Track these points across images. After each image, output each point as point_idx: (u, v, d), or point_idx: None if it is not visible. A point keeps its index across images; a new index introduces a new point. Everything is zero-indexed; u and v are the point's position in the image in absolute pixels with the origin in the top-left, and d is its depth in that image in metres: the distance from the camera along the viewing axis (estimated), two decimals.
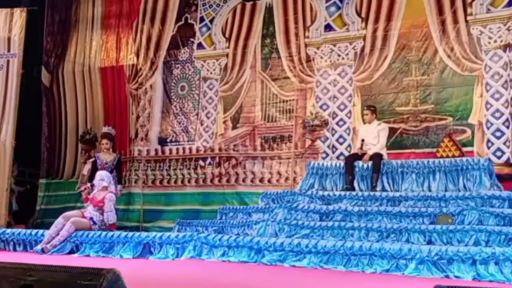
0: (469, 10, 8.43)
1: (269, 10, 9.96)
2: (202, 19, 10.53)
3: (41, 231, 7.60)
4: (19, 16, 9.85)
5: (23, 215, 10.55)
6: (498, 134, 8.09)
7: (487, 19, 8.32)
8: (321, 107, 9.32)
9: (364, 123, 8.51)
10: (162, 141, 10.58)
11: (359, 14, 9.23)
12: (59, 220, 7.42)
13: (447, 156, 7.69)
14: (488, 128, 8.16)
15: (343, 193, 7.69)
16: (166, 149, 10.50)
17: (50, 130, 11.53)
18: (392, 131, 8.52)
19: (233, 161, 9.89)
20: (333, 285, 4.93)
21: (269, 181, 9.54)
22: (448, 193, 7.15)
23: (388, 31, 8.96)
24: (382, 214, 6.92)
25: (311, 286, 4.75)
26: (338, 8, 9.38)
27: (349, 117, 9.11)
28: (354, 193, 7.63)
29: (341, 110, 9.18)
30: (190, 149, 10.29)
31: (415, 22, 8.80)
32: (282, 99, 9.65)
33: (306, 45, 9.53)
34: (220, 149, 10.03)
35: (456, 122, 8.37)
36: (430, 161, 7.64)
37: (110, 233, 7.19)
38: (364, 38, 9.13)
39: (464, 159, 7.49)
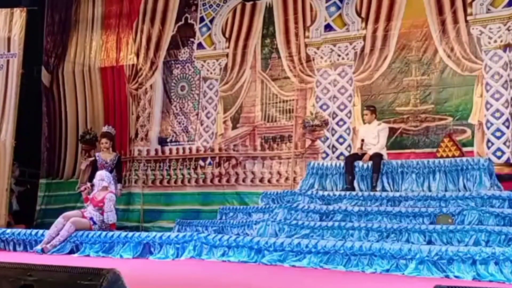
0: (469, 10, 8.43)
1: (269, 10, 9.96)
2: (202, 19, 10.53)
3: (41, 231, 7.60)
4: (19, 16, 9.84)
5: (23, 215, 10.54)
6: (498, 134, 8.09)
7: (487, 19, 8.32)
8: (321, 107, 9.32)
9: (364, 123, 8.51)
10: (162, 141, 10.58)
11: (359, 14, 9.23)
12: (59, 220, 7.43)
13: (447, 156, 7.69)
14: (488, 128, 8.16)
15: (343, 193, 7.69)
16: (166, 149, 10.50)
17: (50, 130, 11.53)
18: (392, 131, 8.52)
19: (233, 161, 9.89)
20: (333, 285, 4.93)
21: (269, 181, 9.54)
22: (448, 193, 7.15)
23: (388, 31, 8.96)
24: (382, 214, 6.92)
25: (311, 286, 4.75)
26: (338, 8, 9.38)
27: (349, 117, 9.11)
28: (354, 193, 7.63)
29: (341, 110, 9.18)
30: (190, 149, 10.29)
31: (415, 22, 8.80)
32: (282, 99, 9.65)
33: (306, 45, 9.53)
34: (220, 149, 10.03)
35: (456, 122, 8.37)
36: (430, 161, 7.64)
37: (110, 233, 7.19)
38: (364, 38, 9.13)
39: (464, 159, 7.50)
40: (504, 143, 8.02)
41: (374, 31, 9.06)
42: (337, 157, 8.93)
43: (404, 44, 8.85)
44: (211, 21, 10.45)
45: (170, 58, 10.71)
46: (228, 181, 9.86)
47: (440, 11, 8.62)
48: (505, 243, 5.78)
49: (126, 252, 6.88)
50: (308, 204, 7.54)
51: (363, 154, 7.96)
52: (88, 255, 6.99)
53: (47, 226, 8.10)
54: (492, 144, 8.11)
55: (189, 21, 10.63)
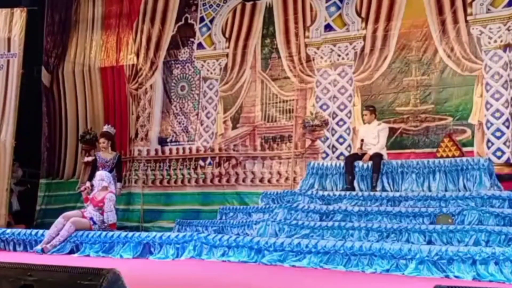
0: (469, 10, 8.43)
1: (269, 10, 9.96)
2: (202, 19, 10.53)
3: (41, 231, 7.60)
4: (19, 16, 9.84)
5: (23, 215, 10.55)
6: (498, 134, 8.09)
7: (487, 19, 8.32)
8: (321, 107, 9.32)
9: (364, 123, 8.51)
10: (162, 141, 10.58)
11: (359, 14, 9.23)
12: (59, 220, 7.43)
13: (447, 156, 7.70)
14: (488, 128, 8.16)
15: (343, 193, 7.69)
16: (166, 149, 10.50)
17: (50, 130, 11.53)
18: (392, 131, 8.52)
19: (233, 161, 9.89)
20: (333, 285, 4.93)
21: (269, 181, 9.54)
22: (448, 193, 7.15)
23: (388, 31, 8.96)
24: (382, 214, 6.92)
25: (311, 286, 4.75)
26: (338, 8, 9.38)
27: (349, 117, 9.11)
28: (354, 193, 7.63)
29: (341, 110, 9.18)
30: (190, 149, 10.29)
31: (415, 22, 8.80)
32: (282, 99, 9.65)
33: (306, 45, 9.53)
34: (220, 149, 10.03)
35: (456, 122, 8.37)
36: (430, 161, 7.64)
37: (110, 233, 7.19)
38: (364, 38, 9.13)
39: (464, 159, 7.50)
40: (504, 143, 8.02)
41: (374, 31, 9.06)
42: (337, 157, 8.93)
43: (404, 44, 8.85)
44: (211, 21, 10.45)
45: (170, 58, 10.71)
46: (228, 181, 9.86)
47: (440, 11, 8.62)
48: (505, 243, 5.78)
49: (126, 252, 6.88)
50: (308, 204, 7.54)
51: (363, 154, 7.96)
52: (88, 255, 6.99)
53: (47, 226, 8.10)
54: (492, 144, 8.11)
55: (189, 21, 10.63)
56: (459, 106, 8.39)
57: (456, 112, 8.39)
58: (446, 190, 7.34)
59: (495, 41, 8.23)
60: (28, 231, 7.78)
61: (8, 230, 7.94)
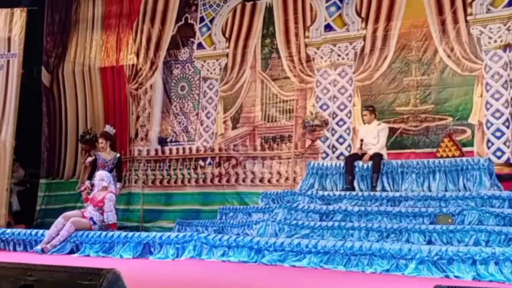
0: (469, 10, 8.43)
1: (269, 10, 9.96)
2: (202, 19, 10.53)
3: (41, 231, 7.61)
4: (19, 16, 9.84)
5: (23, 215, 10.55)
6: (498, 134, 8.08)
7: (487, 19, 8.32)
8: (321, 107, 9.31)
9: (364, 123, 8.51)
10: (162, 141, 10.58)
11: (359, 14, 9.23)
12: (59, 220, 7.43)
13: (447, 156, 7.69)
14: (488, 128, 8.16)
15: (343, 193, 7.69)
16: (166, 149, 10.50)
17: (50, 130, 11.53)
18: (392, 131, 8.52)
19: (233, 161, 9.89)
20: (333, 285, 4.93)
21: (269, 181, 9.54)
22: (448, 193, 7.15)
23: (388, 31, 8.96)
24: (382, 214, 6.92)
25: (311, 286, 4.75)
26: (338, 8, 9.38)
27: (349, 117, 9.11)
28: (354, 193, 7.63)
29: (341, 110, 9.18)
30: (190, 149, 10.29)
31: (415, 22, 8.80)
32: (282, 99, 9.65)
33: (306, 45, 9.53)
34: (220, 149, 10.03)
35: (456, 122, 8.37)
36: (430, 161, 7.64)
37: (110, 233, 7.19)
38: (364, 38, 9.13)
39: (464, 159, 7.49)
40: (504, 143, 8.02)
41: (374, 31, 9.06)
42: (337, 157, 8.93)
43: (404, 44, 8.84)
44: (211, 21, 10.45)
45: (170, 58, 10.71)
46: (228, 181, 9.86)
47: (440, 11, 8.62)
48: (505, 243, 5.78)
49: (126, 252, 6.88)
50: (308, 204, 7.54)
51: (363, 154, 7.96)
52: (88, 255, 6.99)
53: (47, 226, 8.11)
54: (492, 144, 8.10)
55: (189, 21, 10.63)
56: (459, 106, 8.39)
57: (456, 112, 8.39)
58: (446, 190, 7.33)
59: (495, 41, 8.23)
60: (28, 231, 7.79)
61: (8, 230, 7.94)
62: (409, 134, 8.65)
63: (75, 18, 11.64)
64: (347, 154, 8.71)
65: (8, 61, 9.73)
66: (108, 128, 9.08)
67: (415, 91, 8.68)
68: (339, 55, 9.29)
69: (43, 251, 7.08)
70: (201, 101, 10.35)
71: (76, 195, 10.34)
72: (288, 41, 9.70)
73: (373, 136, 8.09)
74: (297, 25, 9.67)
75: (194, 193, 10.07)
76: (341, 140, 9.12)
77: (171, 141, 10.50)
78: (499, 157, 8.01)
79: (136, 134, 10.77)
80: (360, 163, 7.92)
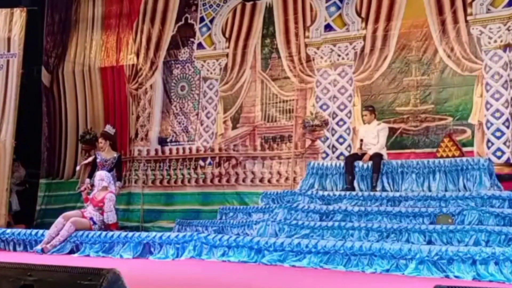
0: (469, 10, 8.43)
1: (269, 10, 9.96)
2: (202, 19, 10.53)
3: (41, 231, 7.61)
4: (19, 16, 9.84)
5: (23, 215, 10.54)
6: (498, 134, 8.08)
7: (487, 19, 8.32)
8: (321, 107, 9.31)
9: (364, 123, 8.50)
10: (162, 141, 10.58)
11: (359, 14, 9.23)
12: (59, 220, 7.43)
13: (447, 156, 7.69)
14: (488, 128, 8.16)
15: (343, 193, 7.69)
16: (166, 149, 10.50)
17: (50, 130, 11.53)
18: (392, 131, 8.52)
19: (233, 161, 9.89)
20: (333, 285, 4.93)
21: (269, 181, 9.54)
22: (448, 193, 7.15)
23: (388, 31, 8.96)
24: (382, 214, 6.92)
25: (311, 286, 4.75)
26: (338, 8, 9.38)
27: (349, 117, 9.11)
28: (354, 193, 7.63)
29: (341, 110, 9.18)
30: (190, 149, 10.29)
31: (415, 22, 8.80)
32: (282, 99, 9.65)
33: (306, 45, 9.53)
34: (220, 149, 10.03)
35: (456, 122, 8.37)
36: (430, 161, 7.64)
37: (110, 233, 7.19)
38: (364, 38, 9.13)
39: (464, 159, 7.49)
40: (504, 143, 8.02)
41: (374, 31, 9.06)
42: (337, 157, 8.93)
43: (404, 44, 8.84)
44: (211, 21, 10.44)
45: (170, 58, 10.71)
46: (228, 181, 9.86)
47: (440, 11, 8.62)
48: (505, 243, 5.78)
49: (126, 252, 6.88)
50: (308, 204, 7.54)
51: (363, 154, 7.96)
52: (88, 255, 6.99)
53: (47, 226, 8.10)
54: (492, 144, 8.10)
55: (189, 21, 10.63)
56: (459, 106, 8.39)
57: (456, 112, 8.39)
58: (446, 190, 7.33)
59: (495, 41, 8.23)
60: (28, 231, 7.78)
61: (8, 230, 7.94)
62: (409, 134, 8.65)
63: (75, 18, 11.64)
64: (347, 154, 8.71)
65: (8, 61, 9.73)
66: (108, 128, 9.08)
67: (415, 91, 8.68)
68: (339, 55, 9.29)
69: (43, 251, 7.08)
70: (201, 101, 10.35)
71: (76, 195, 10.34)
72: (288, 41, 9.70)
73: (373, 136, 8.09)
74: (297, 25, 9.67)
75: (194, 193, 10.07)
76: (341, 140, 9.12)
77: (171, 141, 10.50)
78: (499, 157, 8.01)
79: (136, 134, 10.77)
80: (360, 163, 7.92)
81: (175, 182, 10.32)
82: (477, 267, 5.28)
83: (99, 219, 7.54)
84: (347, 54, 9.24)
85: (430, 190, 7.45)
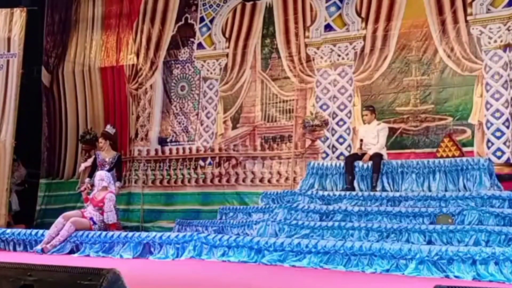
0: (469, 10, 8.43)
1: (269, 10, 9.96)
2: (202, 19, 10.53)
3: (41, 231, 7.60)
4: (19, 16, 9.84)
5: (23, 215, 10.54)
6: (498, 134, 8.09)
7: (487, 19, 8.32)
8: (321, 107, 9.32)
9: (364, 123, 8.50)
10: (162, 141, 10.58)
11: (359, 14, 9.23)
12: (59, 220, 7.42)
13: (447, 156, 7.70)
14: (488, 128, 8.16)
15: (343, 193, 7.69)
16: (166, 149, 10.50)
17: (50, 130, 11.53)
18: (392, 131, 8.53)
19: (233, 161, 9.89)
20: (333, 285, 4.93)
21: (269, 181, 9.54)
22: (448, 193, 7.15)
23: (388, 31, 8.96)
24: (382, 214, 6.92)
25: (311, 286, 4.75)
26: (338, 8, 9.38)
27: (349, 117, 9.11)
28: (354, 193, 7.63)
29: (341, 110, 9.18)
30: (190, 149, 10.29)
31: (415, 22, 8.80)
32: (282, 99, 9.65)
33: (306, 45, 9.53)
34: (220, 149, 10.03)
35: (456, 122, 8.37)
36: (430, 161, 7.64)
37: (110, 233, 7.19)
38: (364, 38, 9.13)
39: (464, 159, 7.49)
40: (504, 143, 8.02)
41: (374, 31, 9.06)
42: (337, 157, 8.93)
43: (404, 44, 8.85)
44: (211, 21, 10.45)
45: (170, 58, 10.71)
46: (228, 181, 9.86)
47: (440, 11, 8.62)
48: (505, 243, 5.78)
49: (126, 252, 6.88)
50: (308, 204, 7.54)
51: (363, 154, 7.96)
52: (88, 255, 6.99)
53: (47, 226, 8.10)
54: (492, 144, 8.11)
55: (189, 21, 10.63)
56: (459, 106, 8.39)
57: (456, 112, 8.39)
58: (446, 190, 7.33)
59: (495, 41, 8.23)
60: (28, 231, 7.78)
61: (8, 230, 7.93)
62: (409, 134, 8.65)
63: (75, 18, 11.64)
64: (347, 154, 8.71)
65: (8, 61, 9.73)
66: (108, 128, 9.08)
67: (415, 91, 8.69)
68: (339, 55, 9.29)
69: (43, 251, 7.08)
70: (201, 101, 10.35)
71: (76, 195, 10.34)
72: (288, 41, 9.70)
73: (373, 136, 8.09)
74: (297, 25, 9.67)
75: (194, 193, 10.07)
76: (341, 140, 9.12)
77: (171, 141, 10.50)
78: (499, 157, 8.01)
79: (136, 134, 10.77)
80: (360, 163, 7.92)
81: (175, 182, 10.32)
82: (477, 267, 5.28)
83: (99, 219, 7.54)
84: (347, 54, 9.24)
85: (430, 190, 7.45)
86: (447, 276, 5.31)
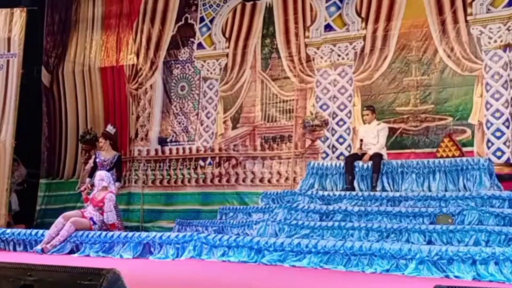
0: (469, 10, 8.43)
1: (269, 10, 9.96)
2: (202, 19, 10.53)
3: (41, 231, 7.60)
4: (19, 16, 9.84)
5: (23, 215, 10.54)
6: (498, 134, 8.09)
7: (487, 19, 8.32)
8: (321, 107, 9.32)
9: (364, 123, 8.50)
10: (162, 141, 10.58)
11: (359, 14, 9.23)
12: (59, 220, 7.42)
13: (447, 156, 7.70)
14: (488, 128, 8.16)
15: (343, 193, 7.69)
16: (166, 149, 10.50)
17: (50, 130, 11.53)
18: (392, 131, 8.53)
19: (233, 161, 9.89)
20: (333, 285, 4.93)
21: (269, 181, 9.54)
22: (448, 193, 7.15)
23: (388, 31, 8.96)
24: (382, 214, 6.92)
25: (311, 286, 4.75)
26: (338, 8, 9.38)
27: (349, 117, 9.11)
28: (354, 193, 7.63)
29: (341, 110, 9.18)
30: (190, 149, 10.29)
31: (415, 22, 8.80)
32: (282, 99, 9.65)
33: (306, 45, 9.53)
34: (220, 149, 10.03)
35: (456, 122, 8.37)
36: (430, 161, 7.64)
37: (110, 233, 7.19)
38: (364, 38, 9.13)
39: (464, 159, 7.50)
40: (504, 143, 8.02)
41: (374, 31, 9.06)
42: (337, 157, 8.93)
43: (404, 44, 8.85)
44: (211, 21, 10.45)
45: (170, 58, 10.71)
46: (228, 181, 9.86)
47: (440, 11, 8.62)
48: (505, 243, 5.78)
49: (126, 252, 6.88)
50: (308, 204, 7.54)
51: (363, 154, 7.96)
52: (88, 255, 6.99)
53: (47, 226, 8.10)
54: (492, 144, 8.11)
55: (189, 21, 10.64)
56: (459, 106, 8.39)
57: (456, 112, 8.40)
58: (446, 190, 7.33)
59: (495, 41, 8.23)
60: (28, 231, 7.78)
61: (8, 230, 7.93)
62: (409, 134, 8.65)
63: (75, 18, 11.64)
64: (347, 154, 8.71)
65: (8, 61, 9.73)
66: (109, 128, 9.08)
67: (415, 91, 8.69)
68: (339, 55, 9.29)
69: (43, 251, 7.08)
70: (201, 101, 10.35)
71: (76, 195, 10.34)
72: (288, 41, 9.70)
73: (373, 136, 8.09)
74: (297, 25, 9.67)
75: (194, 193, 10.07)
76: (341, 140, 9.12)
77: (171, 141, 10.50)
78: (499, 157, 8.01)
79: (136, 134, 10.77)
80: (360, 163, 7.92)
81: (175, 182, 10.32)
82: (477, 267, 5.28)
83: (99, 219, 7.53)
84: (347, 54, 9.24)
85: (430, 190, 7.45)
86: (447, 276, 5.31)
